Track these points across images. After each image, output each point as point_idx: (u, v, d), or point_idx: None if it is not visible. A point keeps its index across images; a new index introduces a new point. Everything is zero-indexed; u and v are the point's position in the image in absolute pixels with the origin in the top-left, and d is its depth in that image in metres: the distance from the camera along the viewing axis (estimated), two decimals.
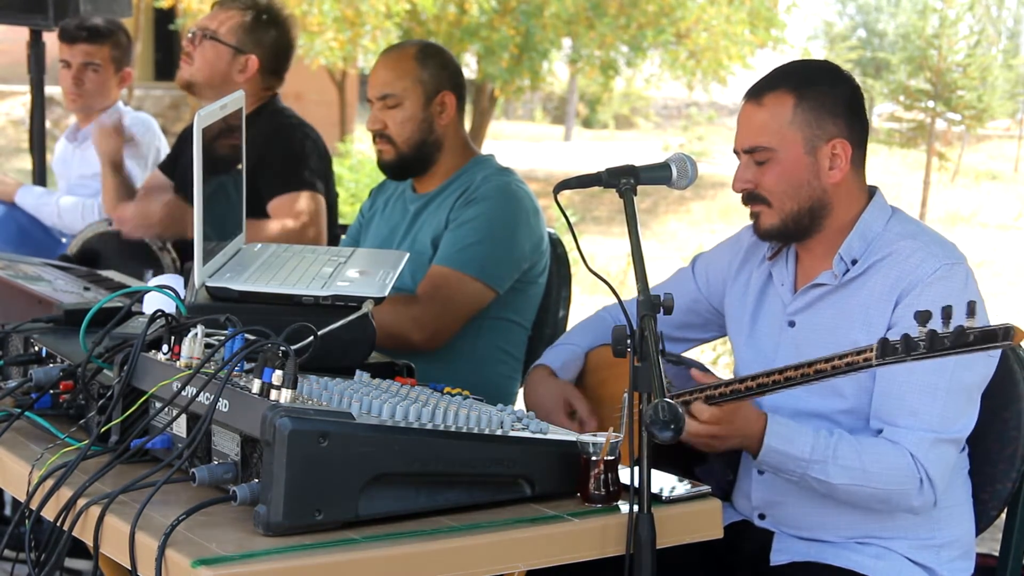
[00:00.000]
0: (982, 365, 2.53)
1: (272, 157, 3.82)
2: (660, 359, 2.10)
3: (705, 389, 2.47)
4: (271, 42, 3.97)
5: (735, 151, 2.67)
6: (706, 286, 2.90)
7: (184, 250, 3.96)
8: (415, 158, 3.47)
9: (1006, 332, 2.09)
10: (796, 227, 2.61)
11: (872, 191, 2.66)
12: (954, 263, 2.52)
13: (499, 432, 2.13)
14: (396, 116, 3.44)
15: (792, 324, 2.67)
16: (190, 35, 3.98)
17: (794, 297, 2.68)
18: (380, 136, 3.47)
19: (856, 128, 2.61)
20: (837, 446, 2.45)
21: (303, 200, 3.83)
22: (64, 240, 4.62)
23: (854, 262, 2.60)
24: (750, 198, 2.63)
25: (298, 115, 4.06)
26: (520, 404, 2.94)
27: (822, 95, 2.59)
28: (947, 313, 2.12)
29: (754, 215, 2.65)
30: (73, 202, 4.56)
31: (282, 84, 4.06)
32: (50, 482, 2.10)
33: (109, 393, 2.23)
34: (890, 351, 2.19)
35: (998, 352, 2.57)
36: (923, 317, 2.13)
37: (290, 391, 1.98)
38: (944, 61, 20.72)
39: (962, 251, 2.58)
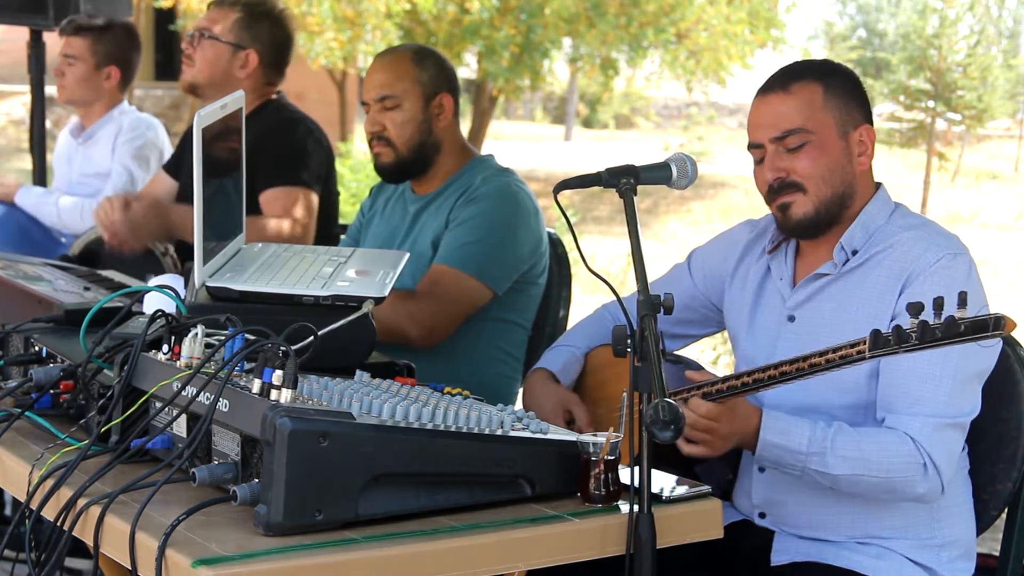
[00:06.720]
0: (983, 356, 2.53)
1: (270, 148, 3.81)
2: (660, 359, 2.10)
3: (702, 387, 2.48)
4: (269, 36, 3.99)
5: (755, 145, 2.61)
6: (703, 282, 2.89)
7: (184, 251, 3.96)
8: (414, 160, 3.46)
9: (996, 322, 2.11)
10: (827, 215, 2.59)
11: (877, 186, 2.67)
12: (957, 253, 2.53)
13: (499, 432, 2.13)
14: (395, 118, 3.43)
15: (792, 319, 2.66)
16: (189, 37, 4.00)
17: (793, 291, 2.68)
18: (379, 138, 3.46)
19: (871, 119, 2.65)
20: (835, 437, 2.45)
21: (295, 196, 3.82)
22: (64, 240, 4.61)
23: (854, 252, 2.60)
24: (782, 187, 2.59)
25: (302, 111, 4.06)
26: (520, 404, 2.94)
27: (846, 83, 2.63)
28: (938, 304, 2.13)
29: (783, 206, 2.60)
30: (73, 202, 4.56)
31: (283, 79, 4.07)
32: (50, 482, 2.10)
33: (109, 393, 2.23)
34: (882, 343, 2.20)
35: (998, 344, 2.58)
36: (915, 309, 2.14)
37: (290, 391, 1.98)
38: (944, 61, 20.74)
39: (965, 243, 2.58)
